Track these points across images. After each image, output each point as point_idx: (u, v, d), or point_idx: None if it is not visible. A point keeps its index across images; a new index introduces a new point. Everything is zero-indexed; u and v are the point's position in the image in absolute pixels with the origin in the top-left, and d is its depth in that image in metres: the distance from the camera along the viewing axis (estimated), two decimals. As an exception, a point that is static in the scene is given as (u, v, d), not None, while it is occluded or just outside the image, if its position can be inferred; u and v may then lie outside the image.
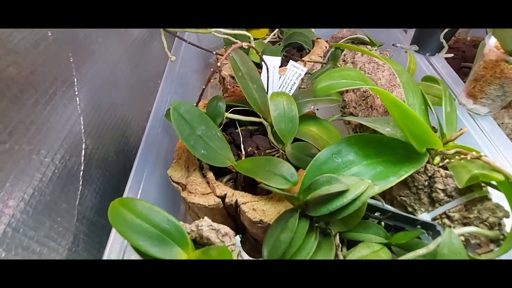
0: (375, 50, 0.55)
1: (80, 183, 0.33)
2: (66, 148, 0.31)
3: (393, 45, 0.55)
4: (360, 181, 0.24)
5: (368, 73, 0.50)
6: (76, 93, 0.33)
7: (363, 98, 0.47)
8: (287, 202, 0.33)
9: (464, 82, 0.49)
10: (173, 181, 0.35)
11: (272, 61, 0.42)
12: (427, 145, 0.29)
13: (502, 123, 0.42)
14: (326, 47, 0.56)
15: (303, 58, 0.53)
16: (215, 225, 0.27)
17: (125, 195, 0.35)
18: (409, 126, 0.28)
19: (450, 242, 0.24)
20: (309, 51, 0.58)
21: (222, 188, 0.33)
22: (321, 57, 0.54)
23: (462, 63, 0.59)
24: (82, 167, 0.34)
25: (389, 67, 0.51)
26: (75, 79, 0.33)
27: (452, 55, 0.51)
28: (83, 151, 0.34)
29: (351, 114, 0.49)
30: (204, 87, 0.32)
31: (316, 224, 0.26)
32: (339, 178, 0.24)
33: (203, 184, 0.34)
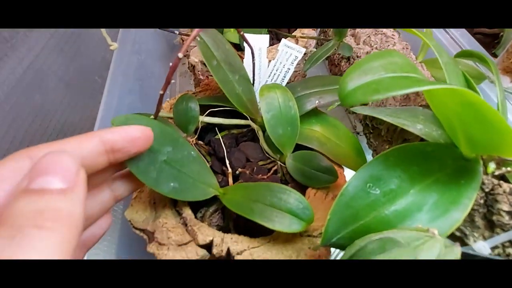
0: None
1: None
2: None
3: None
4: (429, 238, 0.15)
5: (375, 47, 0.40)
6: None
7: (374, 82, 0.37)
8: (298, 243, 0.24)
9: (493, 55, 0.41)
10: (135, 227, 0.25)
11: (258, 41, 0.30)
12: (494, 151, 0.21)
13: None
14: (319, 17, 0.45)
15: (293, 33, 0.41)
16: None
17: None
18: (474, 130, 0.19)
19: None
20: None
21: (206, 232, 0.24)
22: (315, 31, 0.43)
23: (473, 29, 0.51)
24: None
25: (400, 40, 0.41)
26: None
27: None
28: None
29: (358, 101, 0.40)
30: (161, 92, 0.21)
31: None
32: (395, 237, 0.15)
33: (178, 229, 0.24)
